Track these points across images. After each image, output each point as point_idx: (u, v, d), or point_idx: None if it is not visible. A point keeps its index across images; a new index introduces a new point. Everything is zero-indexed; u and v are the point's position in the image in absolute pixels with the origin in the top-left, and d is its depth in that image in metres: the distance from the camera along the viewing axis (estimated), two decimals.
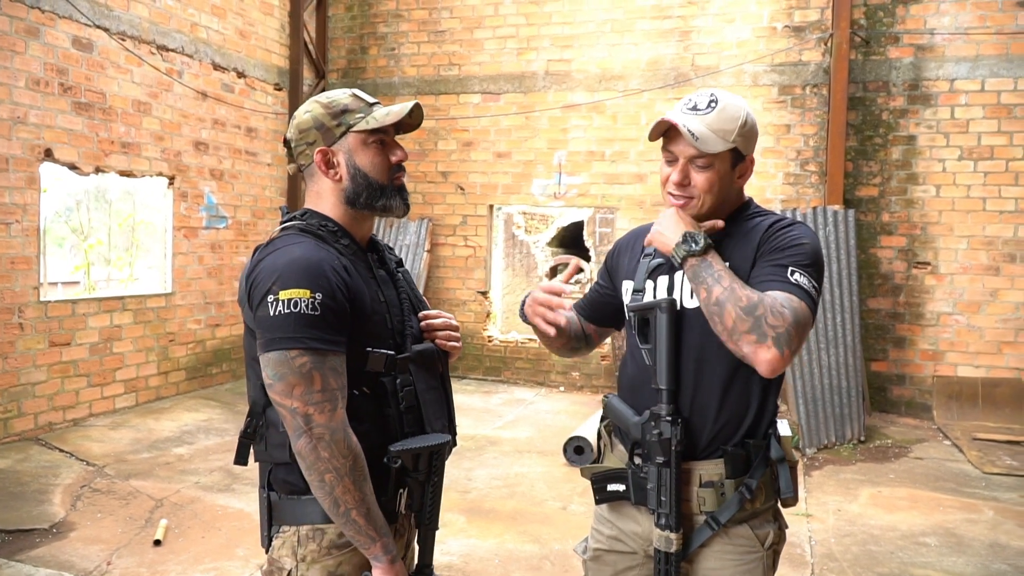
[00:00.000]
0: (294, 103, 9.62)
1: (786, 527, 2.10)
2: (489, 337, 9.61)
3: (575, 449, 6.21)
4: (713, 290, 1.83)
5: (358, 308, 1.83)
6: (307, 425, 1.70)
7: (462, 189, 9.50)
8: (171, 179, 7.87)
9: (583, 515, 5.18)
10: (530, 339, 9.58)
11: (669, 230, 1.92)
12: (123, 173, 7.30)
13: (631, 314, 2.07)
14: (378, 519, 1.77)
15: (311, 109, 1.93)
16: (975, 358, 8.00)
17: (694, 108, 1.97)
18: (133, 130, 7.36)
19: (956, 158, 8.01)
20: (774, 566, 2.04)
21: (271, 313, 1.72)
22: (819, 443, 6.92)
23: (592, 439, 6.25)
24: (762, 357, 1.78)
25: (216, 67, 8.45)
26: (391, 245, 2.25)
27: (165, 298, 7.88)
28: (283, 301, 1.71)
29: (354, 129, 1.91)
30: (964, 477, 6.16)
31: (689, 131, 1.92)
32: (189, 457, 6.17)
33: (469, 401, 8.37)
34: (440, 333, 2.04)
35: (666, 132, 1.99)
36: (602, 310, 2.34)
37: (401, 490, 1.86)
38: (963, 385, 7.94)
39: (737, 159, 2.01)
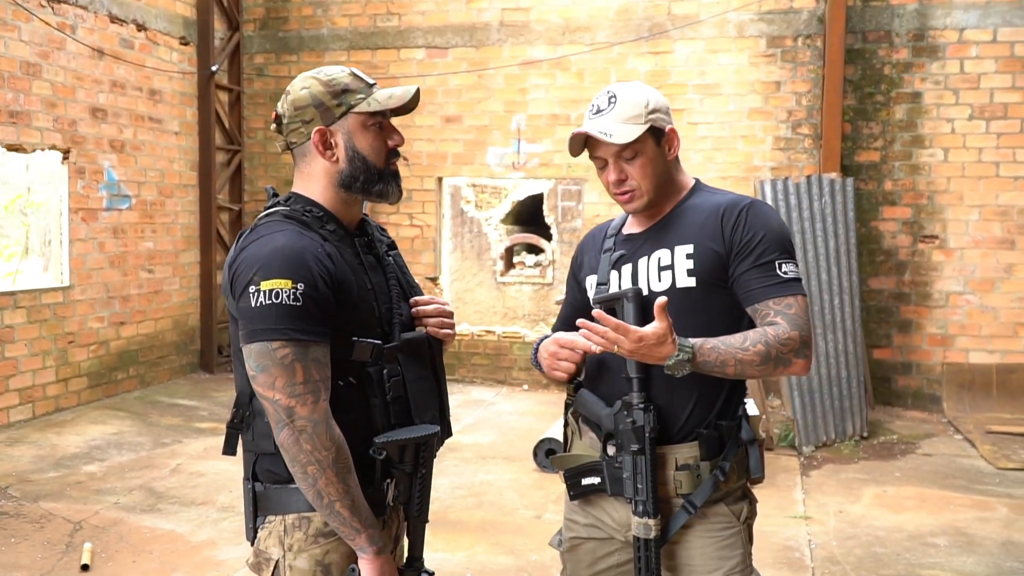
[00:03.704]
0: (204, 59, 9.84)
1: (756, 501, 2.54)
2: None
3: (547, 452, 6.61)
4: (727, 373, 2.28)
5: (343, 296, 2.10)
6: (289, 417, 2.00)
7: (406, 160, 9.80)
8: (65, 153, 8.08)
9: (559, 523, 5.57)
10: (487, 331, 9.96)
11: (650, 358, 2.24)
12: (11, 148, 7.49)
13: (597, 306, 2.43)
14: (363, 511, 2.06)
15: (308, 85, 2.20)
16: (989, 342, 8.59)
17: (599, 111, 2.42)
18: (22, 96, 7.56)
19: (966, 117, 8.57)
20: (751, 540, 2.49)
21: (252, 304, 2.02)
22: (817, 440, 7.42)
23: None
24: (794, 372, 2.35)
25: (113, 19, 8.65)
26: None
27: (62, 292, 8.10)
28: (264, 292, 2.00)
29: (355, 110, 2.19)
30: (976, 473, 6.72)
31: (601, 132, 2.37)
32: (102, 475, 6.44)
33: None
34: (431, 320, 2.34)
35: (586, 143, 2.46)
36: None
37: (389, 481, 2.20)
38: (976, 373, 8.53)
39: (659, 136, 2.44)
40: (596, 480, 2.47)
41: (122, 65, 8.76)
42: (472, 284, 14.31)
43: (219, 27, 10.13)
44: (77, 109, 8.20)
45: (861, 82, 8.73)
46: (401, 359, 2.22)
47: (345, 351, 2.13)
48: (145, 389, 9.10)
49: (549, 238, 14.33)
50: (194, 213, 9.95)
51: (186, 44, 9.74)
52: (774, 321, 2.31)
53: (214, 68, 9.86)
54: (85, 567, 4.83)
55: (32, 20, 7.63)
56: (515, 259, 14.78)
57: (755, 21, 8.95)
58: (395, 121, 2.31)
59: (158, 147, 9.34)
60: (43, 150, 7.86)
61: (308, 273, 2.04)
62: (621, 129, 2.36)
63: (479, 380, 9.83)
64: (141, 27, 9.03)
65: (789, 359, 2.29)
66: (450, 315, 2.40)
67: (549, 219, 14.34)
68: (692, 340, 2.24)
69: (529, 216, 14.88)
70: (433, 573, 2.29)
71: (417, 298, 2.38)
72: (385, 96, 2.22)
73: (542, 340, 2.54)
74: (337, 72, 2.23)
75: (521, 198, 14.50)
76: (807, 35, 8.85)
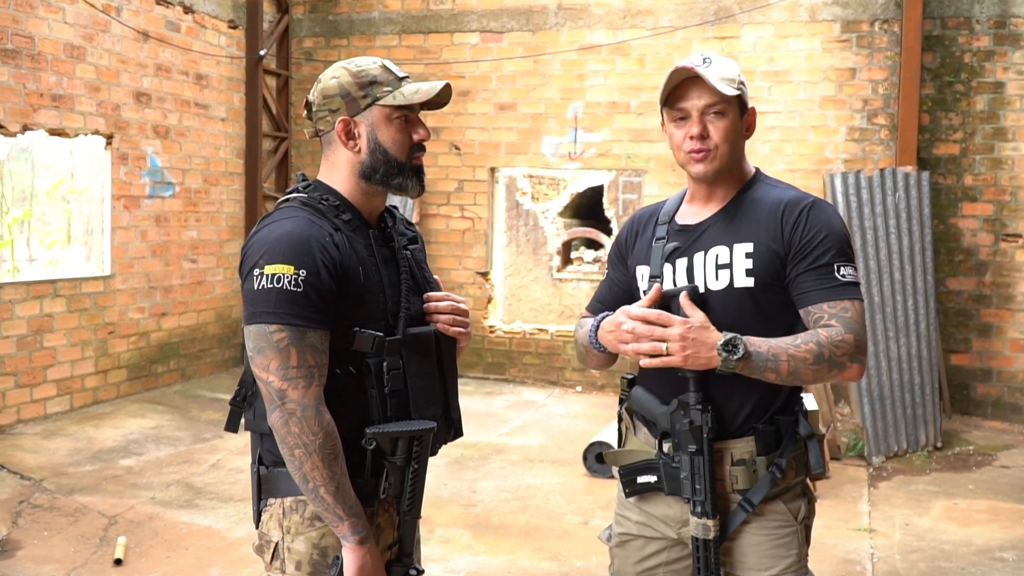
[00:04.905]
0: (252, 43, 10.00)
1: (815, 500, 2.59)
2: (491, 327, 10.03)
3: (597, 457, 6.62)
4: (780, 370, 2.32)
5: (348, 286, 2.24)
6: (280, 399, 2.14)
7: (457, 149, 9.90)
8: (108, 138, 8.27)
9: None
10: (540, 329, 9.99)
11: (702, 350, 2.32)
12: (53, 132, 7.69)
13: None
14: (348, 499, 2.18)
15: (338, 75, 2.35)
16: None
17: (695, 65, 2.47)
18: (65, 80, 7.75)
19: None
20: (808, 540, 2.53)
21: (255, 287, 2.18)
22: (887, 450, 7.33)
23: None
24: (848, 378, 2.40)
25: (159, 1, 8.82)
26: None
27: (103, 281, 8.29)
28: (267, 276, 2.16)
29: (380, 102, 2.32)
30: None
31: (707, 76, 2.41)
32: (139, 470, 6.59)
33: (468, 403, 8.73)
34: (443, 317, 2.45)
35: (673, 90, 2.48)
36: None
37: (383, 473, 2.29)
38: None
39: (743, 109, 2.52)
40: (652, 479, 2.53)
41: (168, 48, 8.94)
42: (527, 280, 14.33)
43: (268, 10, 10.29)
44: (121, 93, 8.38)
45: (940, 70, 8.60)
46: (404, 353, 2.33)
47: (346, 340, 2.25)
48: (186, 383, 9.28)
49: (609, 232, 14.30)
50: (239, 202, 10.12)
51: (234, 28, 9.90)
52: (828, 324, 2.35)
53: (262, 52, 10.01)
54: (118, 561, 4.96)
55: (76, 2, 7.82)
56: (572, 254, 14.77)
57: (828, 4, 8.87)
58: (448, 107, 2.39)
59: (204, 133, 9.51)
60: (86, 135, 8.05)
61: (311, 260, 2.18)
62: (722, 83, 2.42)
63: (530, 380, 9.87)
64: (188, 9, 9.20)
65: (844, 363, 2.33)
66: (464, 314, 2.51)
67: (609, 212, 14.30)
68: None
69: (588, 209, 14.86)
70: (423, 571, 2.39)
71: (431, 294, 2.48)
72: (412, 90, 2.34)
73: (603, 317, 2.55)
74: (368, 64, 2.36)
75: (580, 190, 14.48)
76: (884, 20, 8.74)
